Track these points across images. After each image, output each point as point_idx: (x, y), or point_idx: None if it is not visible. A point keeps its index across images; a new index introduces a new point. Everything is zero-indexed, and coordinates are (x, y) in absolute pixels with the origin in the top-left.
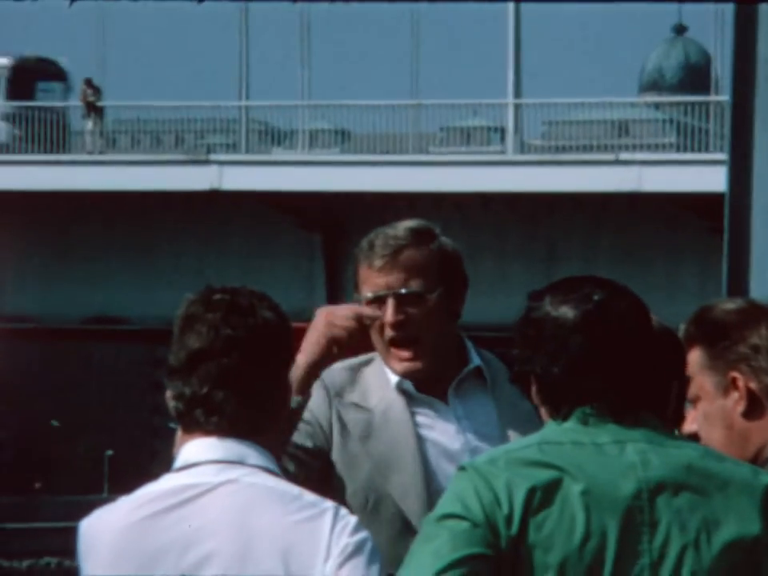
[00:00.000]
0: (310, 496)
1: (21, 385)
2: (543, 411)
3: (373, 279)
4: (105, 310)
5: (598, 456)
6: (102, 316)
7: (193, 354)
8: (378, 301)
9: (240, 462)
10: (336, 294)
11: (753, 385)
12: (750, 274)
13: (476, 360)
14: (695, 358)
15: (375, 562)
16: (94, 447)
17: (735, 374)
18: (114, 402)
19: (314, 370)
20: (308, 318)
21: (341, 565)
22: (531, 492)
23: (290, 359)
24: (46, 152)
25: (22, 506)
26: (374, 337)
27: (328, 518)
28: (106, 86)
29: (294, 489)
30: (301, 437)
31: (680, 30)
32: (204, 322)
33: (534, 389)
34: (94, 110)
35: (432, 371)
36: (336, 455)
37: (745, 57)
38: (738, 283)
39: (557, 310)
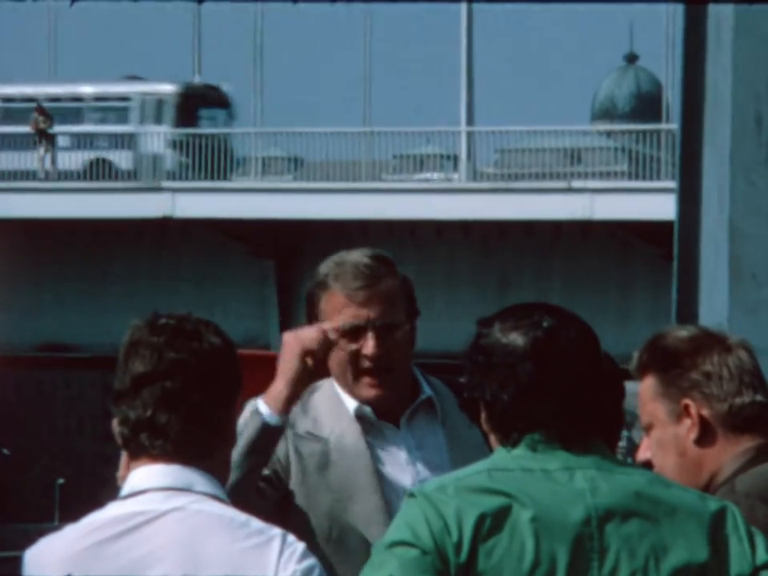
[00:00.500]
0: (257, 523)
1: None
2: (493, 438)
3: (350, 310)
4: (56, 338)
5: (547, 483)
6: (53, 343)
7: (137, 377)
8: (355, 332)
9: (187, 489)
10: (289, 320)
11: (705, 412)
12: (698, 299)
13: (427, 390)
14: (648, 385)
15: None
16: (44, 475)
17: (688, 401)
18: (65, 430)
19: (295, 388)
20: (262, 345)
21: None
22: (481, 519)
23: (235, 384)
24: (211, 179)
25: None
26: (338, 363)
27: (276, 544)
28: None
29: (242, 516)
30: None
31: (631, 58)
32: (148, 346)
33: (483, 416)
34: (45, 136)
35: (391, 399)
36: (296, 486)
37: (693, 84)
38: (688, 309)
39: (506, 337)
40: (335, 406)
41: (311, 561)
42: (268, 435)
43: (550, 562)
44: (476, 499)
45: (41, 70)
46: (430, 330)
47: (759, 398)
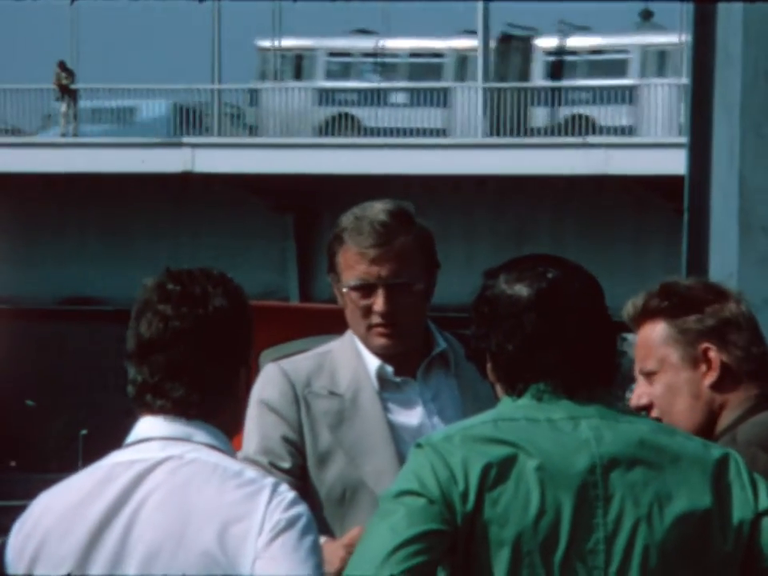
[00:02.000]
0: (251, 472)
1: None
2: (498, 388)
3: (362, 266)
4: (79, 291)
5: (552, 432)
6: (76, 297)
7: (143, 343)
8: (367, 288)
9: (186, 439)
10: (308, 273)
11: (724, 357)
12: (709, 252)
13: (442, 344)
14: (657, 330)
15: (307, 537)
16: (68, 426)
17: (707, 344)
18: (88, 382)
19: None
20: (281, 297)
21: (271, 540)
22: (487, 468)
23: (243, 345)
24: None
25: None
26: (354, 317)
27: (265, 494)
28: (79, 69)
29: (236, 465)
30: (276, 437)
31: (646, 15)
32: (155, 313)
33: (489, 366)
34: (67, 92)
35: (405, 352)
36: (309, 451)
37: (704, 41)
38: (698, 261)
39: (511, 288)
40: (354, 361)
41: (299, 509)
42: None
43: (555, 511)
44: (482, 449)
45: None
46: (448, 284)
47: (763, 348)
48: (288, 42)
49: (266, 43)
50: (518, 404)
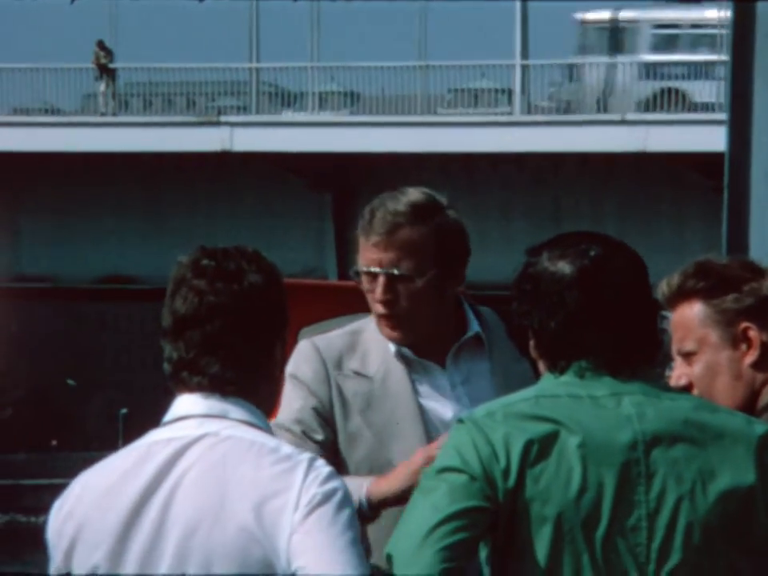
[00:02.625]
0: (287, 448)
1: (36, 344)
2: (541, 365)
3: (368, 253)
4: (118, 270)
5: (594, 408)
6: (115, 276)
7: (178, 319)
8: (370, 275)
9: (222, 416)
10: (346, 253)
11: (765, 336)
12: (749, 231)
13: (475, 326)
14: (695, 311)
15: (344, 511)
16: (108, 405)
17: (747, 323)
18: (127, 361)
19: (393, 501)
20: (319, 276)
21: (307, 514)
22: (528, 445)
23: (278, 321)
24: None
25: (39, 463)
26: (369, 300)
27: (301, 469)
28: (118, 48)
29: (273, 441)
30: (309, 410)
31: None
32: (190, 288)
33: (531, 343)
34: (106, 71)
35: (421, 340)
36: (339, 429)
37: (745, 16)
38: (738, 240)
39: (554, 265)
40: (382, 344)
41: (335, 483)
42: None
43: (597, 487)
44: (524, 425)
45: None
46: (486, 263)
47: None
48: (607, 15)
49: (588, 16)
50: (561, 381)
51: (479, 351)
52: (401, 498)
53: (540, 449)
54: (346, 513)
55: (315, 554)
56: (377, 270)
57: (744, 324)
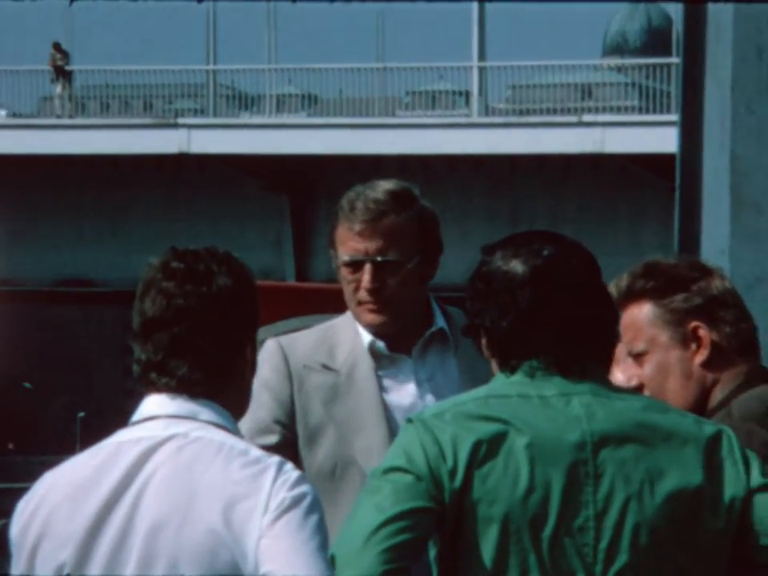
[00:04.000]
0: (256, 451)
1: None
2: (493, 364)
3: (352, 243)
4: (75, 273)
5: (543, 408)
6: (73, 278)
7: (146, 321)
8: (355, 264)
9: (191, 418)
10: (304, 254)
11: (714, 335)
12: (701, 229)
13: (440, 321)
14: (644, 311)
15: (312, 516)
16: (66, 408)
17: (697, 323)
18: (85, 364)
19: None
20: (278, 278)
21: (276, 519)
22: (476, 445)
23: (248, 323)
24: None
25: None
26: (347, 293)
27: (270, 473)
28: (74, 51)
29: (241, 444)
30: (265, 411)
31: None
32: (159, 290)
33: (483, 342)
34: (62, 73)
35: (397, 330)
36: (300, 427)
37: (695, 18)
38: (690, 238)
39: (507, 264)
40: (352, 338)
41: (303, 488)
42: None
43: (544, 488)
44: (472, 425)
45: None
46: (444, 264)
47: (752, 322)
48: None
49: None
50: (511, 380)
51: (445, 347)
52: None
53: (488, 449)
54: (314, 518)
55: (283, 558)
56: (363, 258)
57: (693, 323)
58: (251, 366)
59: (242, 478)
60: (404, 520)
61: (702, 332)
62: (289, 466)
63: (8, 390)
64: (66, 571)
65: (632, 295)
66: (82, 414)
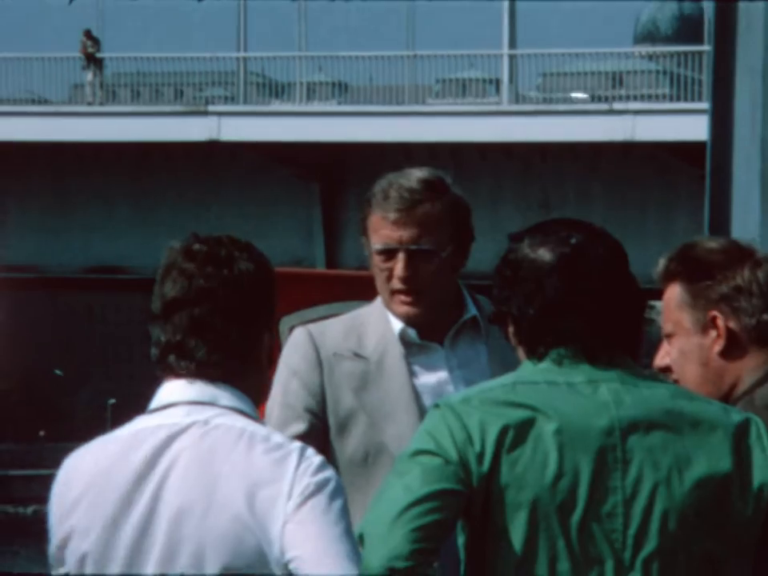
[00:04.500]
0: (277, 437)
1: (23, 335)
2: (520, 351)
3: (385, 231)
4: (105, 260)
5: (571, 395)
6: (103, 266)
7: (167, 302)
8: (388, 253)
9: (211, 403)
10: (334, 242)
11: (732, 325)
12: (731, 217)
13: (472, 309)
14: (674, 294)
15: (336, 501)
16: (96, 395)
17: (715, 312)
18: (115, 352)
19: None
20: (308, 265)
21: (300, 504)
22: (504, 430)
23: (266, 310)
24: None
25: (27, 453)
26: (379, 282)
27: (293, 458)
28: (105, 38)
29: (263, 429)
30: (295, 399)
31: None
32: (180, 272)
33: (510, 330)
34: (93, 61)
35: (430, 319)
36: (331, 416)
37: (727, 6)
38: (720, 226)
39: (534, 252)
40: (382, 326)
41: (327, 473)
42: None
43: (573, 474)
44: (500, 411)
45: None
46: (475, 251)
47: None
48: None
49: None
50: (539, 368)
51: (477, 336)
52: None
53: (516, 435)
54: (338, 502)
55: (310, 544)
56: (397, 246)
57: (713, 312)
58: (268, 353)
59: (264, 463)
60: (432, 501)
61: (720, 322)
62: (311, 451)
63: (38, 378)
64: (88, 562)
65: (667, 276)
66: (112, 401)
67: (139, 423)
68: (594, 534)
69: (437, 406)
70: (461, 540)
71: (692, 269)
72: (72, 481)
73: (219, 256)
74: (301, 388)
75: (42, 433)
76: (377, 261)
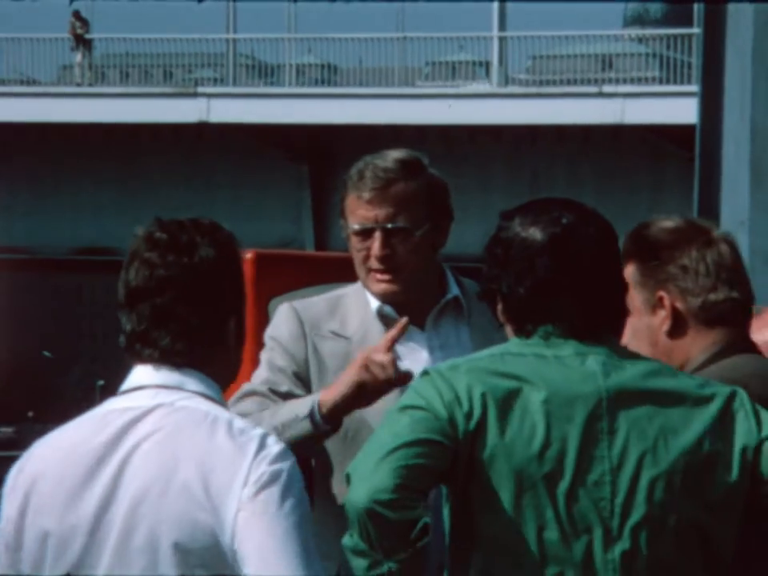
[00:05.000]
0: (240, 422)
1: (13, 316)
2: (508, 329)
3: (361, 211)
4: (94, 242)
5: (559, 366)
6: (92, 247)
7: (130, 292)
8: (365, 233)
9: (178, 388)
10: (323, 224)
11: (678, 305)
12: (720, 199)
13: (454, 290)
14: (629, 273)
15: (291, 492)
16: (85, 377)
17: (662, 293)
18: (104, 333)
19: (347, 401)
20: (297, 247)
21: (255, 493)
22: (492, 397)
23: (232, 294)
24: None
25: (15, 435)
26: (356, 262)
27: (253, 445)
28: (94, 19)
29: (226, 414)
30: (282, 366)
31: None
32: (142, 261)
33: (499, 307)
34: (82, 42)
35: (408, 299)
36: (314, 390)
37: None
38: (709, 209)
39: (525, 231)
40: (362, 307)
41: (284, 463)
42: (315, 437)
43: (560, 443)
44: (487, 379)
45: None
46: (464, 235)
47: (735, 294)
48: None
49: None
50: (527, 342)
51: (459, 317)
52: (350, 401)
53: (503, 404)
54: (293, 493)
55: (259, 535)
56: (373, 225)
57: (661, 292)
58: (237, 338)
59: (224, 448)
60: (420, 447)
61: (666, 301)
62: (272, 439)
63: (27, 359)
64: (49, 539)
65: (625, 256)
66: (101, 383)
67: (108, 405)
68: (582, 502)
69: (426, 372)
70: (446, 511)
71: (643, 248)
72: (38, 460)
73: (180, 243)
74: (287, 356)
75: (30, 414)
76: (354, 242)
